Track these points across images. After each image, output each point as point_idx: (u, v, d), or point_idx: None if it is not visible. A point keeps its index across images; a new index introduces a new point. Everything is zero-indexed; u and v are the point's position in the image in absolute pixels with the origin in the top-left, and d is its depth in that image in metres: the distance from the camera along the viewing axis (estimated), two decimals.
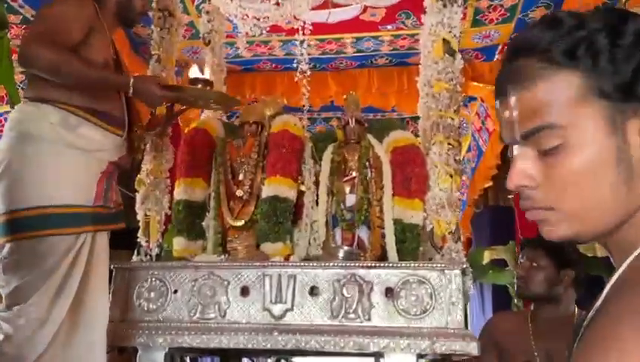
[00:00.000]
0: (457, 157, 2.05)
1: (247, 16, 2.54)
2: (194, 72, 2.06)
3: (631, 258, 0.63)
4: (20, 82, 2.85)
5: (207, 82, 2.07)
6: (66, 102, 1.82)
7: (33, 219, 1.73)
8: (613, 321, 0.56)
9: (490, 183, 4.85)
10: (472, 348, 1.72)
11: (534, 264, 2.19)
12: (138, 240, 2.17)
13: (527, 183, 0.66)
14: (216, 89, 2.25)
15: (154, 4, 2.26)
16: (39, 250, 1.71)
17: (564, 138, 0.63)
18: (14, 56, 2.01)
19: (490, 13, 3.53)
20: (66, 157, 1.80)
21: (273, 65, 4.30)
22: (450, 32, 2.10)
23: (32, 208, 1.73)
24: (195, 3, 3.32)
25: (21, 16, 3.40)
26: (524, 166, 0.66)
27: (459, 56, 2.11)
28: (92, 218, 1.82)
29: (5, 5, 3.12)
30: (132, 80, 1.87)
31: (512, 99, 0.67)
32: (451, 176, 1.99)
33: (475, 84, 4.10)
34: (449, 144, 2.03)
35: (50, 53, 1.75)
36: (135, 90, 1.87)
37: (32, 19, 3.38)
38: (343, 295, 1.85)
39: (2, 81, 1.94)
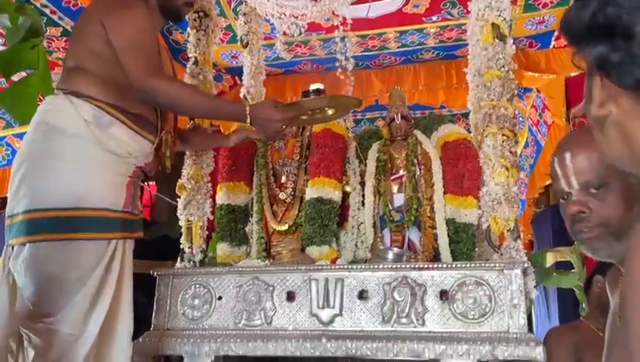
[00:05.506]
0: (513, 150, 1.91)
1: (285, 15, 2.47)
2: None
3: None
4: None
5: (319, 91, 1.98)
6: (101, 100, 1.71)
7: (60, 220, 1.60)
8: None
9: (551, 181, 4.55)
10: (538, 354, 1.59)
11: None
12: (181, 246, 2.12)
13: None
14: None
15: None
16: (68, 255, 1.59)
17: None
18: (55, 70, 1.97)
19: None
20: (97, 157, 1.68)
21: (314, 65, 4.23)
22: (499, 15, 1.97)
23: (59, 209, 1.60)
24: (232, 6, 3.28)
25: (61, 29, 3.39)
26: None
27: (510, 40, 1.97)
28: (121, 224, 1.71)
29: (44, 19, 3.15)
30: (248, 108, 1.81)
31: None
32: (507, 170, 1.85)
33: (530, 74, 3.87)
34: (504, 135, 1.89)
35: (172, 89, 1.73)
36: (253, 117, 1.80)
37: (71, 30, 3.39)
38: (394, 298, 1.75)
39: (44, 91, 1.88)
